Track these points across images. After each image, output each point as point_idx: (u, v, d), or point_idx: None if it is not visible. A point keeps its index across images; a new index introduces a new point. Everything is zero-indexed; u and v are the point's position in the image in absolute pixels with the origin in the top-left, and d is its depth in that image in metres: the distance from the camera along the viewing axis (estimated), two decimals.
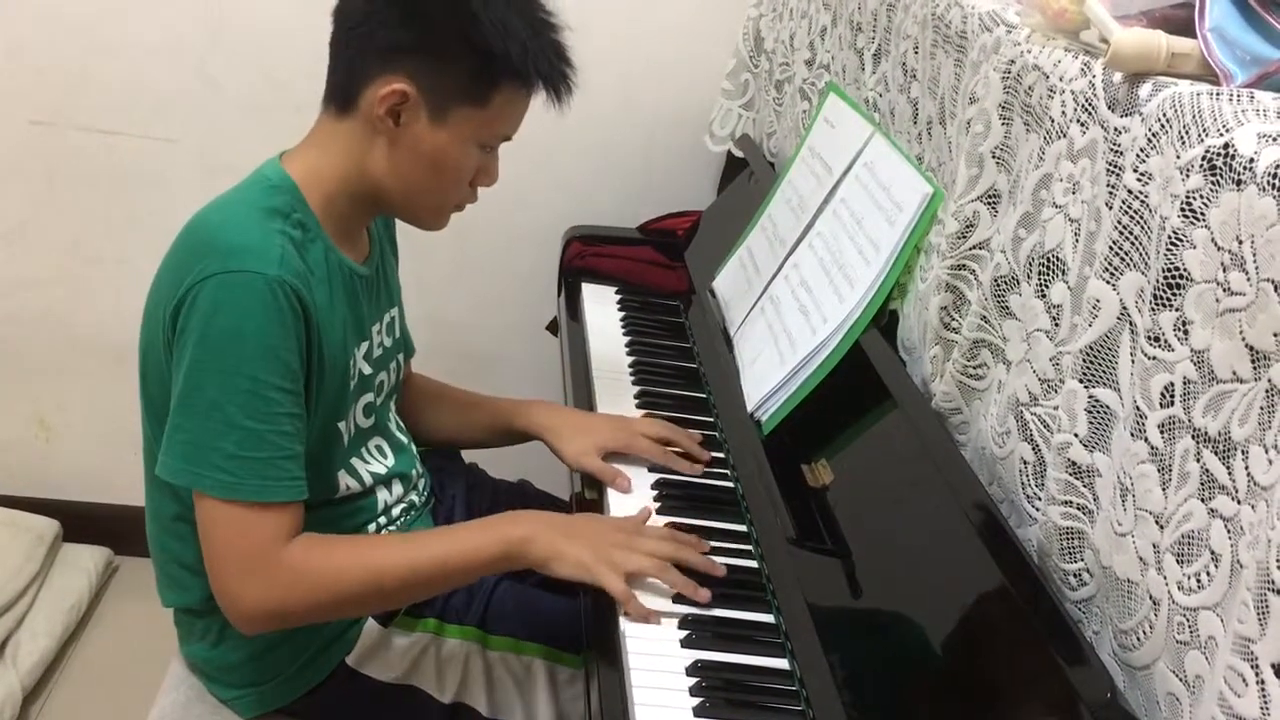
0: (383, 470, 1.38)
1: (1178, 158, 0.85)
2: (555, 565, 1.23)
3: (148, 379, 1.26)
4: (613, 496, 1.41)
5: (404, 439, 1.46)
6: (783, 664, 1.16)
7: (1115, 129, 0.95)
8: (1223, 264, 0.79)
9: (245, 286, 1.14)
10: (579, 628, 1.28)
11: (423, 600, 1.36)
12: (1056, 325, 1.03)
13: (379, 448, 1.40)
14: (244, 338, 1.14)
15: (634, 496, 1.41)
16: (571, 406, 1.62)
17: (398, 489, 1.40)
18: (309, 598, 1.18)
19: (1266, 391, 0.75)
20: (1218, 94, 0.85)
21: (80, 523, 2.36)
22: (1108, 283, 0.93)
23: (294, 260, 1.18)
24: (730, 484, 1.44)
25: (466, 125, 1.25)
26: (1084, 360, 0.96)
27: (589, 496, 1.42)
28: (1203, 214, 0.81)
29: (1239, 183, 0.78)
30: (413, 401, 1.58)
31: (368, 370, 1.34)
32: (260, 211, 1.20)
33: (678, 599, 1.22)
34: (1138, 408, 0.87)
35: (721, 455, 1.50)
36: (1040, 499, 1.03)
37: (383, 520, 1.38)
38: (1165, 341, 0.85)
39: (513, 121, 1.29)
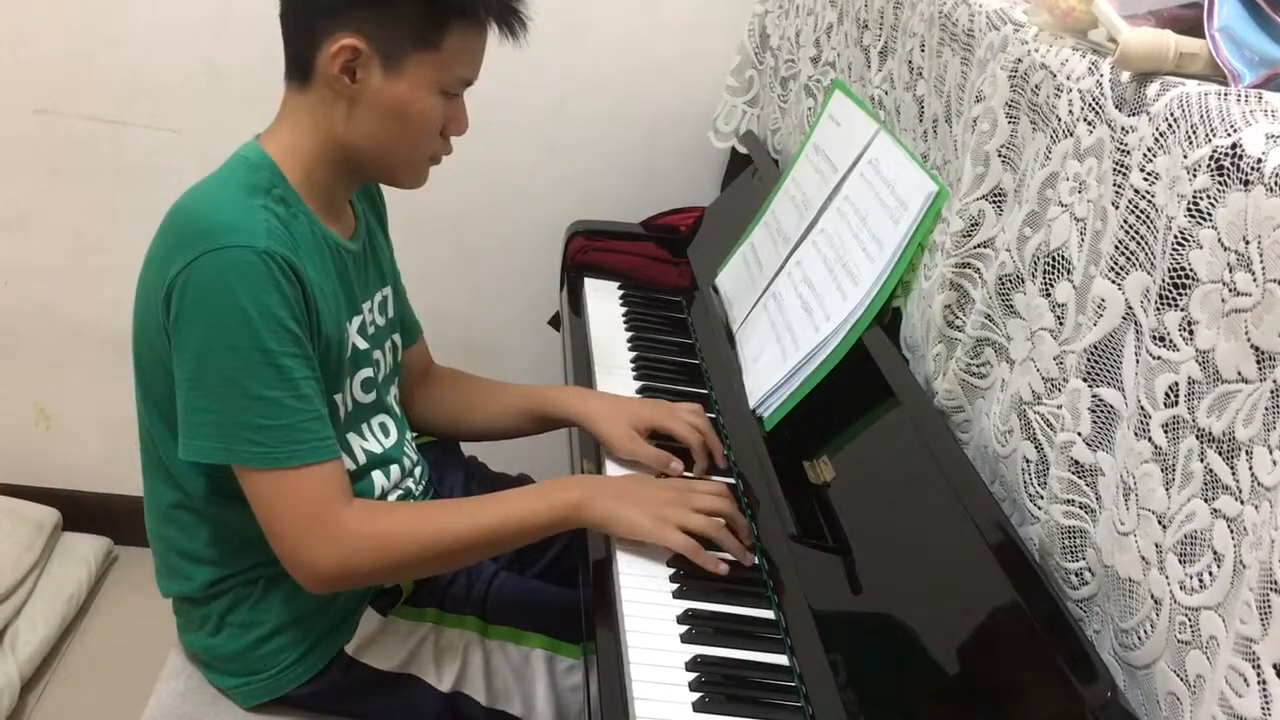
0: (378, 450, 1.38)
1: (1185, 157, 0.85)
2: (612, 528, 1.26)
3: (143, 366, 1.26)
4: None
5: (403, 423, 1.46)
6: (782, 660, 1.16)
7: (1122, 128, 0.95)
8: (1229, 264, 0.79)
9: (237, 261, 1.14)
10: (578, 618, 1.29)
11: (481, 561, 1.39)
12: (1061, 324, 1.03)
13: (382, 425, 1.40)
14: (245, 312, 1.14)
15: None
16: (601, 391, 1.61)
17: (394, 474, 1.40)
18: (373, 559, 1.22)
19: (1271, 392, 0.75)
20: (1226, 94, 0.85)
21: (80, 512, 2.36)
22: (1113, 282, 0.93)
23: (280, 232, 1.19)
24: (731, 480, 1.44)
25: (422, 72, 1.24)
26: (1088, 359, 0.96)
27: None
28: (1209, 214, 0.81)
29: (1246, 183, 0.78)
30: (434, 387, 1.58)
31: (363, 345, 1.34)
32: (241, 189, 1.21)
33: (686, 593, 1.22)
34: (1142, 407, 0.87)
35: (722, 449, 1.50)
36: (1042, 498, 1.03)
37: None
38: (1170, 341, 0.85)
39: (469, 63, 1.28)
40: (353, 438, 1.34)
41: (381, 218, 1.48)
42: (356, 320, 1.33)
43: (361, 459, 1.35)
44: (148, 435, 1.30)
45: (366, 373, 1.36)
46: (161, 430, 1.26)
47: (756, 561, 1.27)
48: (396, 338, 1.46)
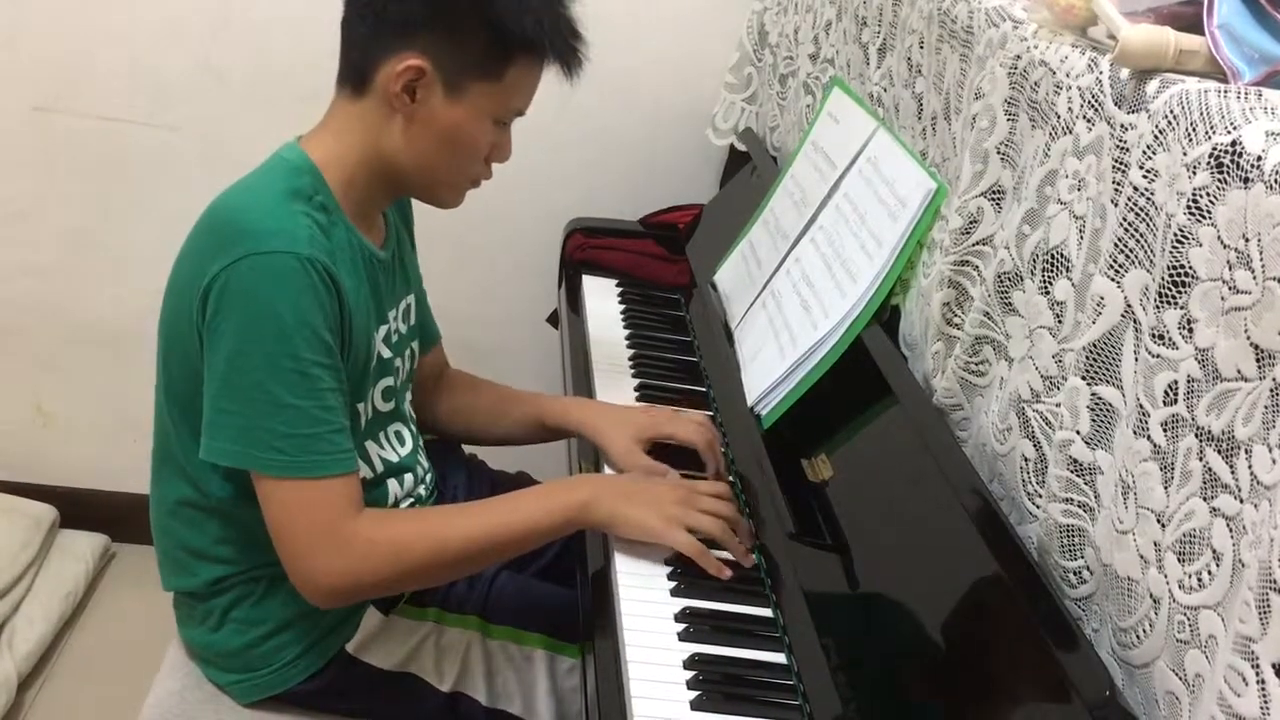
0: (394, 458, 1.37)
1: (1184, 155, 0.84)
2: (617, 528, 1.26)
3: (169, 363, 1.26)
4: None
5: (416, 430, 1.46)
6: (780, 658, 1.16)
7: (1122, 125, 0.95)
8: (1229, 262, 0.78)
9: (279, 267, 1.14)
10: (579, 617, 1.29)
11: (489, 567, 1.39)
12: (1060, 322, 1.02)
13: (398, 434, 1.40)
14: (282, 318, 1.14)
15: None
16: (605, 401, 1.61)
17: (408, 481, 1.40)
18: (380, 569, 1.21)
19: (1271, 390, 0.75)
20: (1225, 91, 0.85)
21: (77, 509, 2.36)
22: (1112, 280, 0.93)
23: (320, 240, 1.19)
24: (730, 478, 1.44)
25: (481, 100, 1.26)
26: (1087, 357, 0.95)
27: None
28: (1209, 212, 0.81)
29: (1246, 180, 0.77)
30: (447, 392, 1.58)
31: (386, 354, 1.34)
32: (284, 194, 1.21)
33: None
34: (1140, 405, 0.87)
35: (721, 449, 1.50)
36: (1041, 496, 1.02)
37: None
38: (1169, 339, 0.84)
39: (526, 95, 1.31)
40: (370, 446, 1.34)
41: (410, 224, 1.49)
42: (383, 329, 1.33)
43: (379, 467, 1.35)
44: (164, 431, 1.30)
45: (387, 381, 1.36)
46: (181, 428, 1.26)
47: (756, 561, 1.27)
48: (415, 345, 1.45)
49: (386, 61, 1.22)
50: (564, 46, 1.28)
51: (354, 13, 1.26)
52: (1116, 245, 0.93)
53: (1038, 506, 1.03)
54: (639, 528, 1.25)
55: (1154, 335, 0.86)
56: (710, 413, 1.58)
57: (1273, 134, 0.78)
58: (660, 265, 2.03)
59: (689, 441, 1.44)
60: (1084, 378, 0.96)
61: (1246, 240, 0.77)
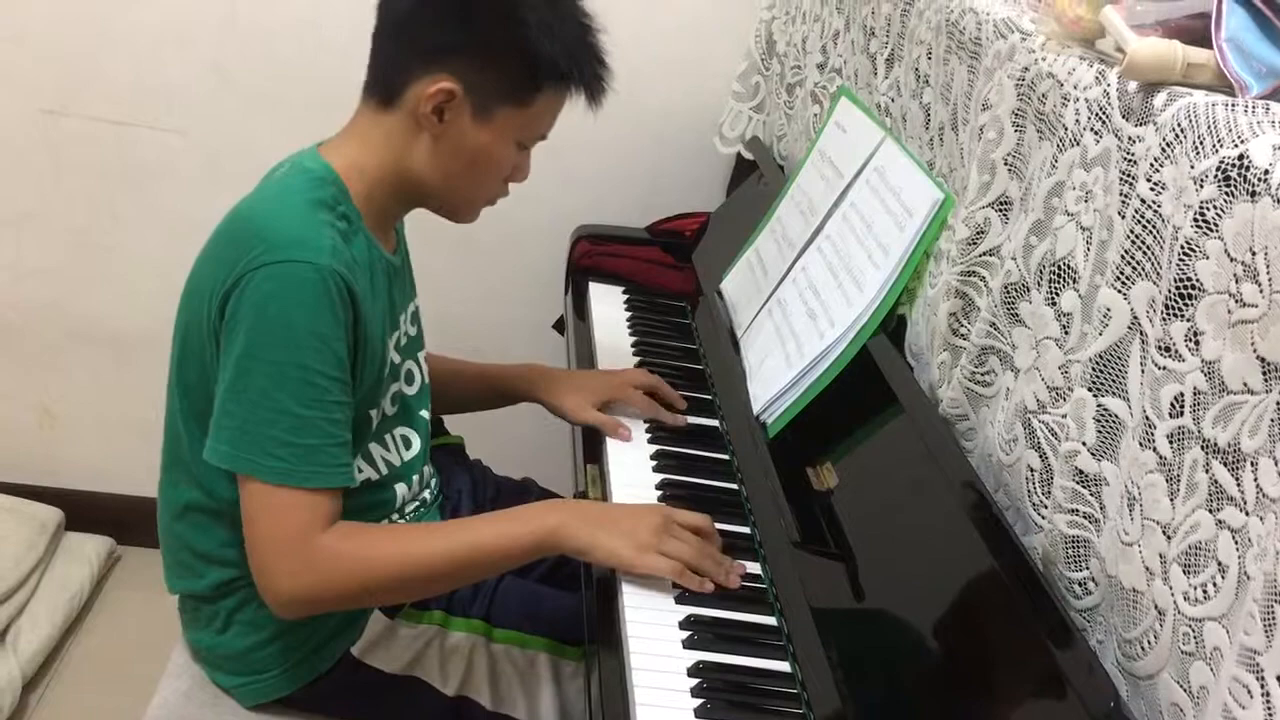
0: (397, 462, 1.38)
1: (1192, 168, 0.85)
2: (591, 555, 1.24)
3: (185, 368, 1.26)
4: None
5: (425, 434, 1.46)
6: (785, 667, 1.16)
7: (1129, 138, 0.95)
8: (1235, 275, 0.79)
9: (298, 276, 1.15)
10: (583, 622, 1.28)
11: (457, 588, 1.38)
12: (1066, 333, 1.03)
13: (404, 438, 1.40)
14: (296, 327, 1.15)
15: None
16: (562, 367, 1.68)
17: (415, 484, 1.41)
18: (345, 583, 1.20)
19: (1277, 404, 0.75)
20: (1233, 105, 0.85)
21: (83, 511, 2.36)
22: (1119, 292, 0.93)
23: (343, 251, 1.20)
24: (735, 486, 1.44)
25: (509, 125, 1.27)
26: (1093, 369, 0.96)
27: (592, 496, 1.43)
28: (1216, 225, 0.81)
29: (1253, 194, 0.78)
30: None
31: (397, 359, 1.35)
32: (307, 203, 1.21)
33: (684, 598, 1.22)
34: (1147, 417, 0.87)
35: (726, 457, 1.50)
36: (1047, 507, 1.03)
37: (395, 517, 1.38)
38: (1176, 352, 0.85)
39: (551, 121, 1.33)
40: (375, 448, 1.34)
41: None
42: (394, 335, 1.34)
43: (383, 470, 1.35)
44: (175, 434, 1.30)
45: (397, 386, 1.36)
46: (193, 432, 1.26)
47: (739, 586, 1.25)
48: (423, 353, 1.46)
49: (418, 81, 1.23)
50: (592, 76, 1.31)
51: (388, 28, 1.27)
52: (1123, 257, 0.93)
53: (1043, 517, 1.03)
54: (612, 556, 1.23)
55: (1160, 347, 0.86)
56: (714, 422, 1.59)
57: None
58: (667, 273, 2.03)
59: (639, 408, 1.55)
60: (1090, 389, 0.96)
61: (1253, 253, 0.77)
